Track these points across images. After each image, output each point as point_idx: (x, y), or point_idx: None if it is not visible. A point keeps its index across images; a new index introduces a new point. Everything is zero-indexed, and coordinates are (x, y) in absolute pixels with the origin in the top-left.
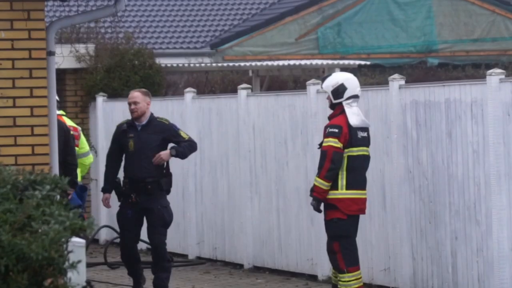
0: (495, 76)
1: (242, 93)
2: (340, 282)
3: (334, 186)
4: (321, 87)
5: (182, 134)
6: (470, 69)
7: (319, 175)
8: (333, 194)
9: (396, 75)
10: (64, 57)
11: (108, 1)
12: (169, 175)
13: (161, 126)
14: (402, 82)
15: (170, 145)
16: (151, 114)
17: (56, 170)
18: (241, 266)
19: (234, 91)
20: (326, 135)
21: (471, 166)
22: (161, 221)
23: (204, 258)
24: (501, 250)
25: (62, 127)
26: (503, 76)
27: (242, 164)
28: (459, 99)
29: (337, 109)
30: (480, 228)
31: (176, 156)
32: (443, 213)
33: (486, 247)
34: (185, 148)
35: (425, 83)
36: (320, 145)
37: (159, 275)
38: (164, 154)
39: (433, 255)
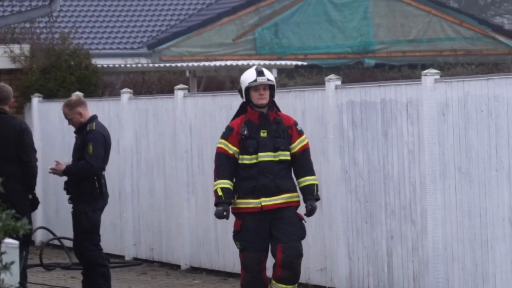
0: (430, 76)
1: (179, 93)
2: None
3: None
4: (268, 79)
5: (90, 147)
6: (407, 69)
7: (314, 173)
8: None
9: (332, 76)
10: None
11: (43, 1)
12: (87, 179)
13: (85, 131)
14: (338, 82)
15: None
16: (91, 116)
17: None
18: (178, 266)
19: (171, 91)
20: (301, 132)
21: (407, 166)
22: (79, 226)
23: (141, 259)
24: (436, 249)
25: (13, 125)
26: (438, 77)
27: (179, 164)
28: (394, 99)
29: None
30: (415, 227)
31: (65, 174)
32: (379, 213)
33: (421, 246)
34: (81, 168)
35: (361, 83)
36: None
37: (94, 279)
38: (59, 169)
39: (369, 255)
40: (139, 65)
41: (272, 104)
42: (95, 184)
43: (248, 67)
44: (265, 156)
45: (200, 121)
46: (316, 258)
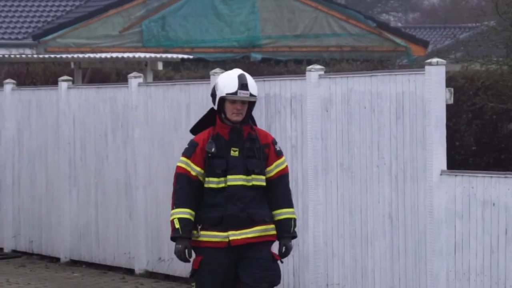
0: (314, 72)
1: (63, 85)
2: None
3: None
4: (251, 94)
5: None
6: (293, 64)
7: (293, 205)
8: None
9: (217, 69)
10: None
11: None
12: None
13: None
14: None
15: None
16: None
17: None
18: (57, 259)
19: (56, 83)
20: (280, 153)
21: (289, 161)
22: None
23: (20, 252)
24: (316, 244)
25: None
26: (322, 72)
27: (61, 156)
28: (279, 94)
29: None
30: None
31: None
32: None
33: (302, 241)
34: None
35: None
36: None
37: None
38: None
39: None
40: (24, 55)
41: (247, 117)
42: None
43: (134, 59)
44: (235, 180)
45: (84, 113)
46: None
